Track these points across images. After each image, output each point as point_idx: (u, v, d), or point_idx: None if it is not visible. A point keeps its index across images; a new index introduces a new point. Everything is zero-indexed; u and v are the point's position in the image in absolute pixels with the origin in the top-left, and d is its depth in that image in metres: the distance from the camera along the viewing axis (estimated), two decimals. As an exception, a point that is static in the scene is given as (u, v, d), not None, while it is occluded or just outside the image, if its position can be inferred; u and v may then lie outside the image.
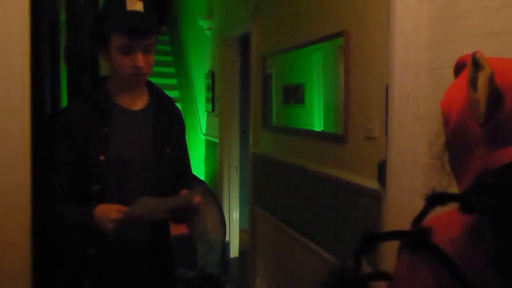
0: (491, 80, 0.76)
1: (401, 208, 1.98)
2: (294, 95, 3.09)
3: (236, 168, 4.90)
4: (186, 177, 1.91)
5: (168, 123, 1.82)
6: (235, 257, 4.99)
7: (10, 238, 1.63)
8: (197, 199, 1.69)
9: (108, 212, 1.54)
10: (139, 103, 1.76)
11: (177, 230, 4.35)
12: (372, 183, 2.18)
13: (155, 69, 6.63)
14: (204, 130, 5.88)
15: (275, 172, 3.47)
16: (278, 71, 3.39)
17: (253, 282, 3.95)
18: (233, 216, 4.97)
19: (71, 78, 2.06)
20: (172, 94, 6.61)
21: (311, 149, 2.89)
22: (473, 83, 0.78)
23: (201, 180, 4.61)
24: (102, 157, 1.64)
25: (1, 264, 1.62)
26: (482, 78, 0.77)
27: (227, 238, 4.79)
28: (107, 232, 1.54)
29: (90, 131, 1.65)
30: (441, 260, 0.76)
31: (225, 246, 4.55)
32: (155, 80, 6.77)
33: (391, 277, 0.87)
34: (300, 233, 3.00)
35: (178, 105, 6.72)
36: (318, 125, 2.83)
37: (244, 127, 4.79)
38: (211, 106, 5.31)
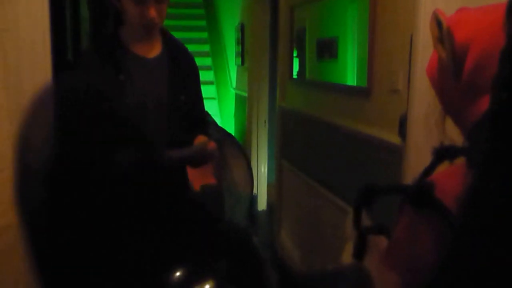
0: (449, 36, 0.74)
1: (421, 163, 1.94)
2: (328, 49, 3.03)
3: (265, 122, 4.89)
4: (201, 123, 1.92)
5: (182, 70, 1.82)
6: (263, 210, 5.05)
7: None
8: (211, 145, 1.71)
9: None
10: (153, 50, 1.76)
11: (206, 180, 4.42)
12: (393, 138, 2.15)
13: (187, 23, 6.64)
14: (234, 85, 5.87)
15: (301, 126, 3.45)
16: (311, 24, 3.31)
17: (279, 235, 4.01)
18: (261, 170, 5.00)
19: (93, 24, 2.08)
20: (203, 48, 6.59)
21: (336, 103, 2.85)
22: (440, 41, 0.76)
23: (229, 133, 4.63)
24: (117, 106, 1.66)
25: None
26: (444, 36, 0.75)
27: (254, 192, 4.84)
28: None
29: (105, 79, 1.66)
30: (444, 217, 0.73)
31: (253, 199, 4.61)
32: (186, 34, 6.78)
33: (391, 232, 0.86)
34: (326, 188, 3.00)
35: (208, 59, 6.72)
36: (351, 80, 2.78)
37: (273, 81, 4.74)
38: (240, 60, 5.27)
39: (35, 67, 1.64)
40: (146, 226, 1.74)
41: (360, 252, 0.90)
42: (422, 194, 0.77)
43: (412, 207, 0.78)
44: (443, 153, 0.89)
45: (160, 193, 1.77)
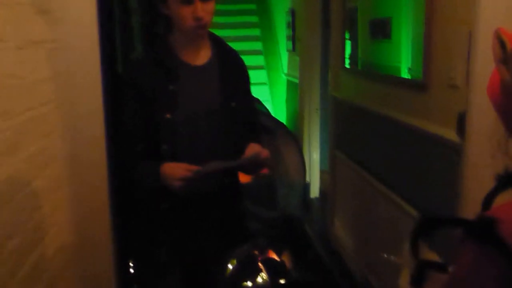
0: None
1: (481, 163, 1.89)
2: (381, 29, 2.95)
3: (317, 109, 4.85)
4: (254, 130, 1.91)
5: (232, 75, 1.80)
6: (315, 197, 5.04)
7: (90, 186, 1.75)
8: (264, 154, 1.70)
9: (175, 171, 1.58)
10: (203, 57, 1.74)
11: (258, 171, 4.45)
12: (451, 135, 2.08)
13: (236, 7, 6.60)
14: (285, 70, 5.82)
15: (354, 117, 3.40)
16: (363, 4, 3.23)
17: (332, 224, 3.99)
18: (313, 157, 4.97)
19: (143, 31, 2.10)
20: (253, 32, 6.56)
21: (391, 95, 2.79)
22: (503, 62, 0.72)
23: (281, 122, 4.62)
24: (168, 116, 1.66)
25: (83, 206, 1.75)
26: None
27: (307, 179, 4.83)
28: (175, 189, 1.60)
29: (156, 89, 1.66)
30: (508, 257, 0.71)
31: (306, 187, 4.60)
32: (236, 18, 6.77)
33: (447, 270, 0.84)
34: (378, 180, 2.95)
35: (259, 43, 6.70)
36: (405, 61, 2.70)
37: (325, 69, 4.68)
38: (291, 45, 5.22)
39: (86, 80, 1.68)
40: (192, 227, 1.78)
41: (417, 283, 0.88)
42: (486, 231, 0.73)
43: (475, 244, 0.75)
44: (507, 180, 0.85)
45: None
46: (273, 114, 5.50)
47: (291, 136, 4.52)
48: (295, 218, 4.34)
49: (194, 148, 1.71)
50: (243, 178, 4.46)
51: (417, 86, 2.42)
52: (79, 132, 1.70)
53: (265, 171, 4.53)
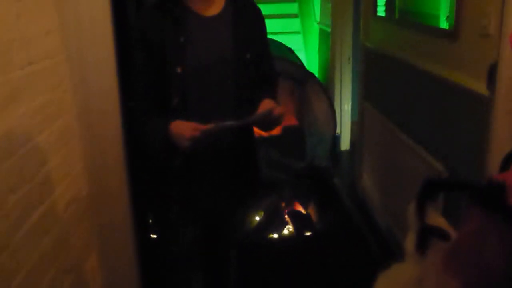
0: None
1: (510, 117, 1.79)
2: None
3: (349, 59, 4.70)
4: (270, 83, 1.84)
5: (248, 25, 1.71)
6: (346, 150, 4.96)
7: (103, 138, 1.74)
8: (278, 111, 1.63)
9: (184, 131, 1.54)
10: (216, 7, 1.66)
11: (287, 121, 4.39)
12: (481, 87, 1.97)
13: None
14: (318, 19, 5.65)
15: (384, 66, 3.27)
16: None
17: (360, 176, 3.94)
18: (345, 108, 4.87)
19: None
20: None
21: (421, 45, 2.65)
22: None
23: (311, 73, 4.51)
24: (179, 69, 1.60)
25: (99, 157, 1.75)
26: None
27: (338, 131, 4.75)
28: (183, 149, 1.57)
29: (166, 40, 1.59)
30: None
31: (335, 139, 4.53)
32: (269, -35, 6.30)
33: (450, 238, 0.78)
34: (406, 133, 2.87)
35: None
36: (444, 9, 2.56)
37: (357, 18, 4.50)
38: (325, -8, 5.04)
39: (96, 30, 1.64)
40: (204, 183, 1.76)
41: (422, 246, 0.84)
42: (494, 197, 0.68)
43: (481, 211, 0.70)
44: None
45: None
46: (306, 64, 5.38)
47: (321, 86, 4.41)
48: (323, 169, 4.29)
49: (206, 102, 1.66)
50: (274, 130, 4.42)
51: (447, 35, 2.29)
52: (90, 84, 1.68)
53: (293, 122, 4.47)
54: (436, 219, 0.88)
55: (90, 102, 1.70)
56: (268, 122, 1.64)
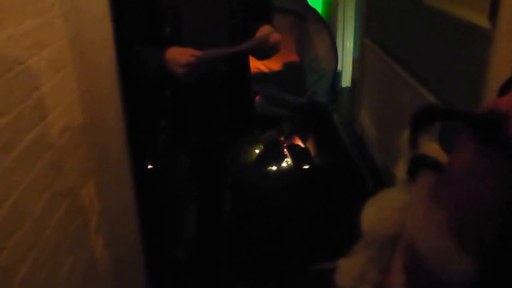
0: None
1: (510, 54, 1.76)
2: None
3: (352, -6, 4.59)
4: (265, 11, 1.79)
5: None
6: (347, 87, 4.94)
7: (95, 66, 1.73)
8: (275, 37, 1.61)
9: (179, 57, 1.51)
10: None
11: (288, 57, 4.34)
12: (482, 21, 1.92)
13: None
14: (323, -50, 5.45)
15: (385, 1, 3.20)
16: None
17: (358, 113, 3.94)
18: (347, 45, 4.80)
19: None
20: None
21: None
22: None
23: (312, 7, 4.41)
24: None
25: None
26: None
27: (339, 68, 4.70)
28: (178, 76, 1.55)
29: None
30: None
31: (336, 76, 4.49)
32: None
33: (441, 168, 0.76)
34: (405, 70, 2.84)
35: None
36: None
37: None
38: None
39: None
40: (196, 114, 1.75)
41: (412, 175, 0.83)
42: (491, 129, 0.62)
43: (475, 142, 0.65)
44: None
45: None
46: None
47: (323, 22, 4.33)
48: (322, 105, 4.29)
49: (200, 32, 1.63)
50: (272, 65, 4.37)
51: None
52: (82, 10, 1.64)
53: (294, 58, 4.41)
54: (430, 146, 0.85)
55: (83, 30, 1.67)
56: (264, 49, 1.62)
